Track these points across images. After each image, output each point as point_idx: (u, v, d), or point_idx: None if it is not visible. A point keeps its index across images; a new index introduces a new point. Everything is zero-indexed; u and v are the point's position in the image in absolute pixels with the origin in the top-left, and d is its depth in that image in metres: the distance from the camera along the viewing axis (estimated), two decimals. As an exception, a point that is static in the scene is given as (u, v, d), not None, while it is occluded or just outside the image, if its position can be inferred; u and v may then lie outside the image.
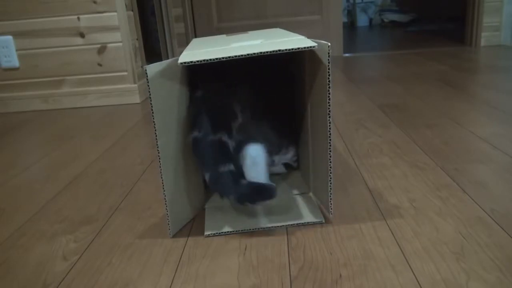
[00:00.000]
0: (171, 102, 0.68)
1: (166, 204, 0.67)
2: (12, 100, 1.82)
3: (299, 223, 0.70)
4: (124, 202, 0.85)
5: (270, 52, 0.59)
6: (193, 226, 0.72)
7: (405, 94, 1.54)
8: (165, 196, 0.67)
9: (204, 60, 0.59)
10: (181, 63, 0.59)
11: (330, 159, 0.65)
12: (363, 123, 1.23)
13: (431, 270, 0.56)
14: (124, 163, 1.07)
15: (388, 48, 2.91)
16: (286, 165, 0.87)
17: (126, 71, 1.77)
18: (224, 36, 0.90)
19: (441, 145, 1.01)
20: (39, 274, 0.63)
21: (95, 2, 1.69)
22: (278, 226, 0.69)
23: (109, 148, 1.20)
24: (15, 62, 1.76)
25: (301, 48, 0.60)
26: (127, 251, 0.67)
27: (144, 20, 2.24)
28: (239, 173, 0.70)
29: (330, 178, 0.67)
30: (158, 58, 2.38)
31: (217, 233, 0.69)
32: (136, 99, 1.79)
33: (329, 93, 0.62)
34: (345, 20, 5.20)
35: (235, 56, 0.59)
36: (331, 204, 0.68)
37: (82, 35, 1.73)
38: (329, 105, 0.63)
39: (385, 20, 4.75)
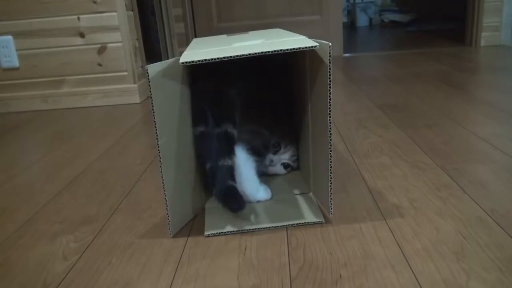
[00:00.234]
0: (172, 102, 0.68)
1: (166, 204, 0.67)
2: (12, 100, 1.82)
3: (299, 223, 0.70)
4: (124, 202, 0.85)
5: (271, 52, 0.59)
6: (193, 226, 0.72)
7: (405, 94, 1.54)
8: (165, 196, 0.67)
9: (205, 60, 0.59)
10: (182, 63, 0.59)
11: (330, 159, 0.65)
12: (363, 123, 1.23)
13: (431, 270, 0.56)
14: (124, 163, 1.07)
15: (388, 48, 2.91)
16: (286, 166, 0.87)
17: (126, 71, 1.77)
18: (224, 36, 0.90)
19: (441, 145, 1.00)
20: (39, 274, 0.63)
21: (95, 2, 1.69)
22: (278, 226, 0.69)
23: (109, 148, 1.20)
24: (15, 62, 1.76)
25: (302, 48, 0.60)
26: (127, 251, 0.67)
27: (144, 20, 2.24)
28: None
29: (330, 178, 0.67)
30: (158, 58, 2.38)
31: (217, 233, 0.69)
32: (136, 99, 1.79)
33: (329, 93, 0.62)
34: (345, 20, 5.19)
35: (236, 56, 0.59)
36: (331, 204, 0.68)
37: (82, 35, 1.73)
38: (330, 105, 0.63)
39: (385, 20, 4.74)
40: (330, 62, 0.61)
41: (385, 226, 0.67)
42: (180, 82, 0.69)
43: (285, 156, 0.86)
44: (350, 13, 5.19)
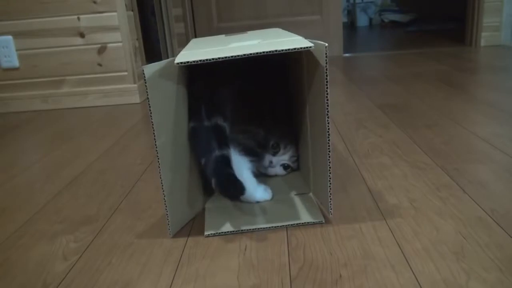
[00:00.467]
0: (169, 102, 0.68)
1: (165, 204, 0.67)
2: (12, 100, 1.82)
3: (299, 223, 0.70)
4: (124, 202, 0.85)
5: (267, 52, 0.59)
6: (193, 226, 0.72)
7: (405, 94, 1.54)
8: (164, 196, 0.67)
9: (200, 60, 0.59)
10: (178, 63, 0.59)
11: (329, 159, 0.66)
12: (363, 123, 1.23)
13: (431, 270, 0.56)
14: (124, 163, 1.07)
15: (388, 48, 2.91)
16: (286, 167, 0.87)
17: (126, 71, 1.77)
18: (223, 36, 0.90)
19: (441, 145, 1.00)
20: (39, 274, 0.63)
21: (95, 2, 1.69)
22: (278, 226, 0.69)
23: (109, 148, 1.20)
24: (15, 62, 1.76)
25: (298, 49, 0.60)
26: (127, 251, 0.67)
27: (144, 20, 2.24)
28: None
29: (330, 178, 0.67)
30: (158, 58, 2.37)
31: (217, 233, 0.69)
32: (136, 99, 1.79)
33: (327, 93, 0.62)
34: (345, 20, 5.19)
35: (232, 56, 0.59)
36: (331, 204, 0.68)
37: (82, 35, 1.73)
38: (327, 105, 0.63)
39: (385, 20, 4.74)
40: (326, 63, 0.61)
41: (385, 226, 0.67)
42: (177, 82, 0.69)
43: (284, 157, 0.86)
44: (350, 13, 5.19)
